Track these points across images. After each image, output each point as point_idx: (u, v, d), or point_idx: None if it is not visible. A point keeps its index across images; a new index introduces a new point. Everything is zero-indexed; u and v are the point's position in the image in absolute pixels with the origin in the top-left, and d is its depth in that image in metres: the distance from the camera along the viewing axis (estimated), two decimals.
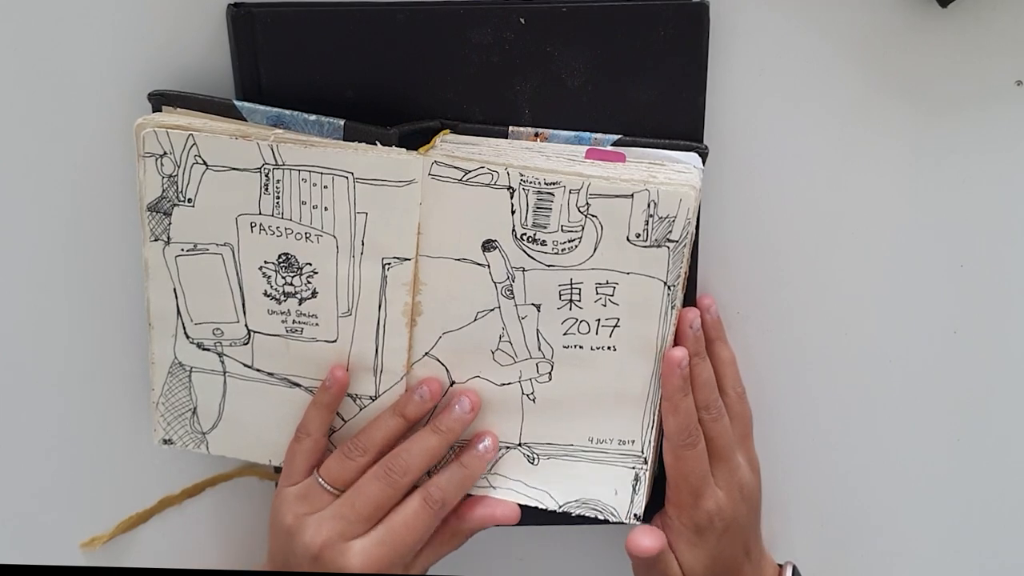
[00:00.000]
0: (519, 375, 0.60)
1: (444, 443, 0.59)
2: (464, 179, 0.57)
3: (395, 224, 0.58)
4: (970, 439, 0.67)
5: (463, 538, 0.62)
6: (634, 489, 0.61)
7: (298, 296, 0.59)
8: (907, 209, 0.63)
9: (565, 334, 0.59)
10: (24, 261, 0.63)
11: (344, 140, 0.57)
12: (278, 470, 0.63)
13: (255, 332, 0.60)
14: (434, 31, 0.57)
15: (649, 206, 0.56)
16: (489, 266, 0.58)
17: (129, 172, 0.58)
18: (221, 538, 0.68)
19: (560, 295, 0.58)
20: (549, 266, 0.58)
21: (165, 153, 0.56)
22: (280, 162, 0.56)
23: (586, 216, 0.57)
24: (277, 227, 0.58)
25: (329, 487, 0.59)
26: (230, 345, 0.61)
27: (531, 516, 0.66)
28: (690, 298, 0.62)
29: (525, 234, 0.57)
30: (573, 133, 0.59)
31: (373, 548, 0.58)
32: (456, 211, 0.57)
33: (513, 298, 0.59)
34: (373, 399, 0.61)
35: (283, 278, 0.59)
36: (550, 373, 0.60)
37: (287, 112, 0.57)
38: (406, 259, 0.58)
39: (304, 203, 0.57)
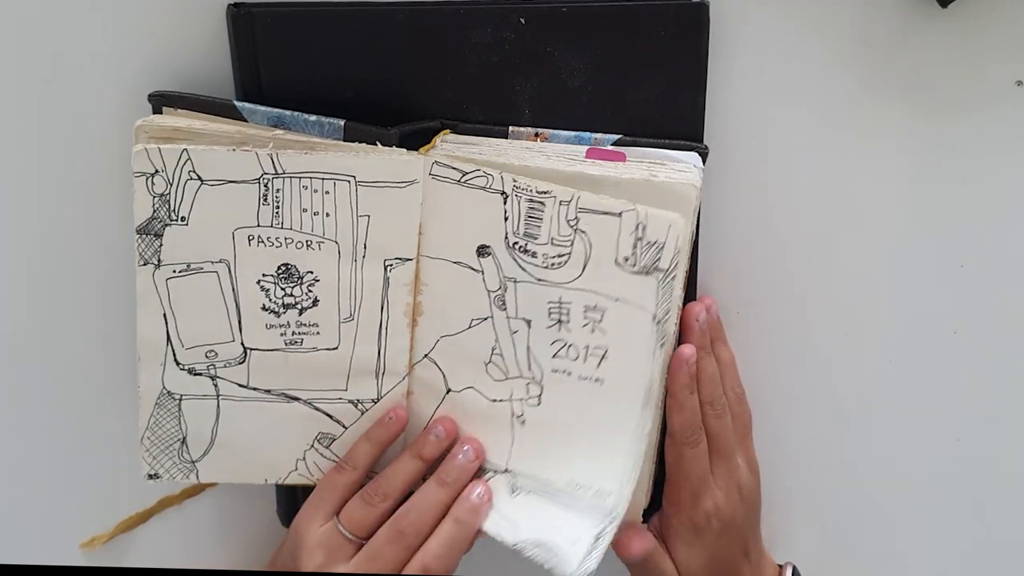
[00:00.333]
0: (510, 393, 0.60)
1: (452, 494, 0.59)
2: (462, 180, 0.57)
3: (397, 225, 0.58)
4: (970, 439, 0.67)
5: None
6: (593, 544, 0.57)
7: (298, 306, 0.59)
8: (907, 209, 0.63)
9: (554, 356, 0.59)
10: (24, 261, 0.63)
11: (344, 140, 0.57)
12: (279, 488, 0.64)
13: (252, 349, 0.59)
14: (434, 31, 0.57)
15: (638, 228, 0.55)
16: (483, 272, 0.58)
17: (129, 173, 0.58)
18: (221, 538, 0.68)
19: (549, 313, 0.58)
20: (539, 280, 0.58)
21: (156, 171, 0.55)
22: (280, 171, 0.56)
23: (575, 231, 0.56)
24: (276, 238, 0.57)
25: (350, 535, 0.58)
26: (224, 366, 0.60)
27: None
28: (690, 298, 0.62)
29: (517, 243, 0.57)
30: (573, 133, 0.59)
31: None
32: (454, 213, 0.57)
33: (505, 309, 0.59)
34: (375, 401, 0.61)
35: (283, 289, 0.58)
36: (539, 396, 0.60)
37: (287, 113, 0.57)
38: (408, 259, 0.58)
39: (305, 210, 0.57)
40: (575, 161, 0.58)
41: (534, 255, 0.57)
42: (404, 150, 0.57)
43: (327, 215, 0.57)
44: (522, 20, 0.57)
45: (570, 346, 0.58)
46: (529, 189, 0.56)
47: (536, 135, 0.59)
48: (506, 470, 0.61)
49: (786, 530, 0.68)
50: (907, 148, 0.62)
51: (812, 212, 0.63)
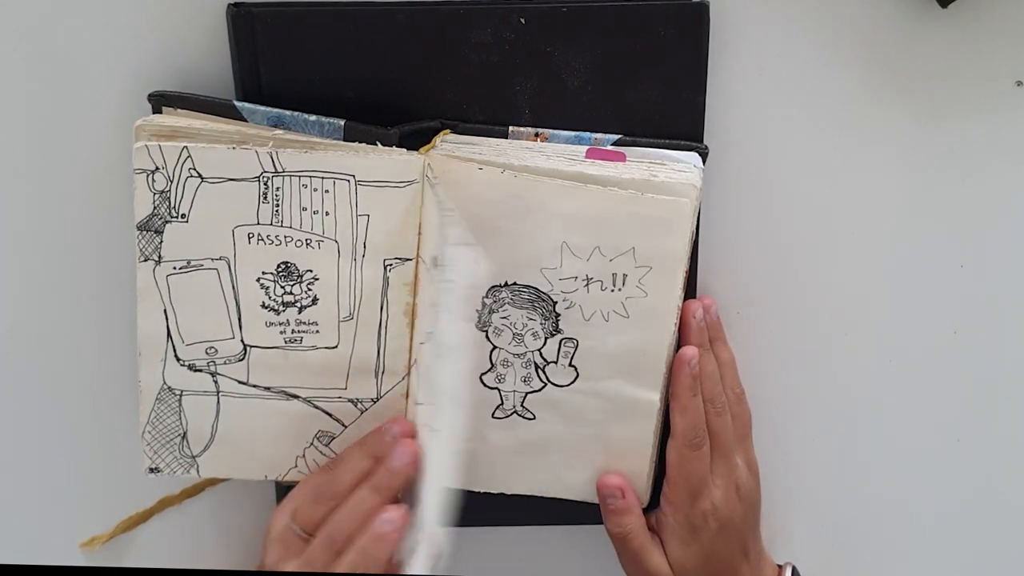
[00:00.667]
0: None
1: (382, 502, 0.57)
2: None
3: (397, 225, 0.58)
4: (970, 439, 0.67)
5: None
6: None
7: (298, 304, 0.59)
8: (907, 209, 0.63)
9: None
10: (25, 260, 0.63)
11: (344, 140, 0.57)
12: (279, 485, 0.64)
13: (251, 347, 0.60)
14: (434, 31, 0.57)
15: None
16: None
17: (129, 173, 0.58)
18: (221, 538, 0.68)
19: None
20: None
21: (157, 168, 0.56)
22: (280, 169, 0.56)
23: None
24: (276, 236, 0.58)
25: (301, 532, 0.58)
26: (224, 363, 0.60)
27: (531, 516, 0.66)
28: (690, 298, 0.61)
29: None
30: (573, 133, 0.59)
31: None
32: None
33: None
34: (375, 401, 0.61)
35: (282, 287, 0.59)
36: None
37: (287, 113, 0.57)
38: (407, 259, 0.58)
39: (304, 209, 0.57)
40: (575, 161, 0.58)
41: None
42: (404, 150, 0.57)
43: (326, 214, 0.57)
44: (522, 20, 0.57)
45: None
46: None
47: (536, 135, 0.59)
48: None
49: (786, 530, 0.68)
50: (907, 148, 0.62)
51: (812, 212, 0.63)
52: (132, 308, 0.58)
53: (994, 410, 0.66)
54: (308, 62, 0.58)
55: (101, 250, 0.63)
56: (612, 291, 0.58)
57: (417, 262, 0.59)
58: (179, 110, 0.57)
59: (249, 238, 0.57)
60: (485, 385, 0.61)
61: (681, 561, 0.61)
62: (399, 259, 0.58)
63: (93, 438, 0.66)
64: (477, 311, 0.59)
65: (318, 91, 0.58)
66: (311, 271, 0.58)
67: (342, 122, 0.57)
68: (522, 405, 0.61)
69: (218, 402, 0.61)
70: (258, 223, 0.57)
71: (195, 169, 0.56)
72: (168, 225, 0.57)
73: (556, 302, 0.59)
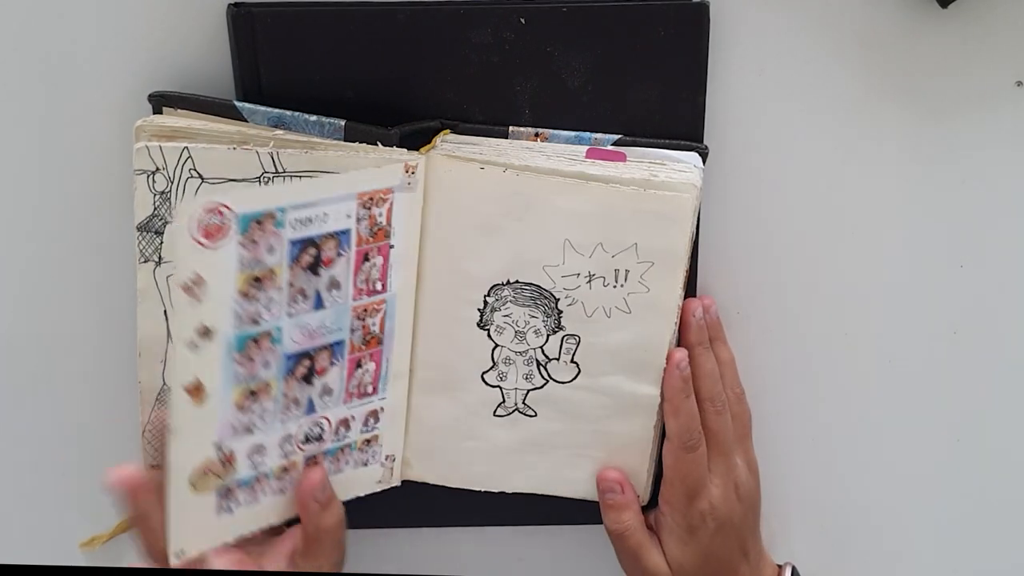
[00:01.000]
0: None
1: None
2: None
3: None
4: (970, 439, 0.67)
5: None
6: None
7: None
8: (907, 209, 0.63)
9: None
10: (24, 260, 0.63)
11: (345, 140, 0.57)
12: None
13: None
14: (434, 31, 0.57)
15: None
16: None
17: (129, 174, 0.58)
18: None
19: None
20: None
21: (158, 169, 0.56)
22: (280, 170, 0.56)
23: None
24: None
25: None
26: None
27: (531, 516, 0.66)
28: (690, 297, 0.62)
29: None
30: (573, 133, 0.59)
31: None
32: None
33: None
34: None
35: None
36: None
37: (287, 113, 0.57)
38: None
39: None
40: (575, 161, 0.58)
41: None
42: (404, 150, 0.57)
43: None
44: (522, 20, 0.57)
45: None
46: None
47: (536, 135, 0.59)
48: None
49: (785, 530, 0.68)
50: (907, 148, 0.62)
51: (812, 212, 0.63)
52: (132, 308, 0.58)
53: (994, 410, 0.66)
54: (308, 62, 0.58)
55: (101, 251, 0.63)
56: (614, 287, 0.58)
57: (419, 262, 0.58)
58: (179, 110, 0.57)
59: None
60: (487, 383, 0.61)
61: (679, 560, 0.61)
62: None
63: (93, 438, 0.66)
64: (479, 310, 0.59)
65: (318, 91, 0.58)
66: None
67: (342, 122, 0.57)
68: (524, 403, 0.61)
69: None
70: None
71: (195, 170, 0.56)
72: (168, 226, 0.57)
73: (558, 299, 0.59)
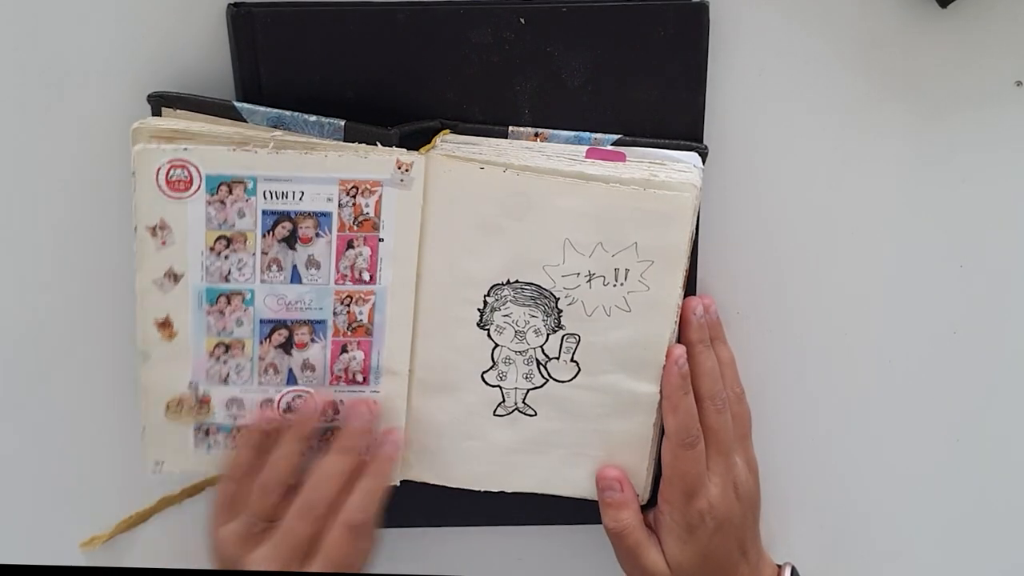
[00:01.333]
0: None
1: (352, 461, 0.59)
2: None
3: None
4: (970, 439, 0.67)
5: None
6: None
7: None
8: (907, 209, 0.63)
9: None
10: (23, 260, 0.63)
11: (344, 141, 0.57)
12: None
13: None
14: (434, 31, 0.57)
15: None
16: None
17: (128, 174, 0.58)
18: None
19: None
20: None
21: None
22: None
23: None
24: None
25: (258, 522, 0.59)
26: None
27: (531, 516, 0.66)
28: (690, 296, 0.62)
29: None
30: (573, 133, 0.59)
31: None
32: None
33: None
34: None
35: None
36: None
37: (287, 113, 0.57)
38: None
39: None
40: (575, 161, 0.58)
41: None
42: (404, 150, 0.57)
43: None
44: (522, 20, 0.57)
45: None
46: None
47: (536, 135, 0.59)
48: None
49: (785, 530, 0.68)
50: (907, 148, 0.62)
51: (812, 212, 0.63)
52: (130, 310, 0.58)
53: (994, 410, 0.66)
54: (308, 62, 0.58)
55: (100, 252, 0.63)
56: (614, 286, 0.58)
57: (419, 262, 0.58)
58: (178, 111, 0.57)
59: None
60: (487, 383, 0.61)
61: (678, 559, 0.61)
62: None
63: (93, 438, 0.66)
64: (479, 310, 0.59)
65: (318, 91, 0.58)
66: None
67: (342, 122, 0.57)
68: (524, 402, 0.61)
69: None
70: None
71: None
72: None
73: (558, 298, 0.59)
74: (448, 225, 0.58)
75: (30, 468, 0.67)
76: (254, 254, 0.57)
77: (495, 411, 0.61)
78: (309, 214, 0.56)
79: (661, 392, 0.60)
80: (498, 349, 0.60)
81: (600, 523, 0.62)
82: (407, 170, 0.56)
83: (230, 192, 0.55)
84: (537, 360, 0.60)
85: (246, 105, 0.57)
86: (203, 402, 0.59)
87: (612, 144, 0.59)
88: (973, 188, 0.63)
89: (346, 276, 0.58)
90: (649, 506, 0.63)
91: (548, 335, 0.60)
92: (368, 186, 0.56)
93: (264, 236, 0.57)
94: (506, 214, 0.57)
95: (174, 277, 0.57)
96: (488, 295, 0.59)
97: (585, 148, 0.58)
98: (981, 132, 0.62)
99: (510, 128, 0.59)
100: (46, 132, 0.61)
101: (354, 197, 0.56)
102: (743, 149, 0.61)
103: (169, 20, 0.59)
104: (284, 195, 0.56)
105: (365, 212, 0.57)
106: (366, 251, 0.57)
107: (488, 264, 0.58)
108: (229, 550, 0.59)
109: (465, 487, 0.63)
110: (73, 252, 0.63)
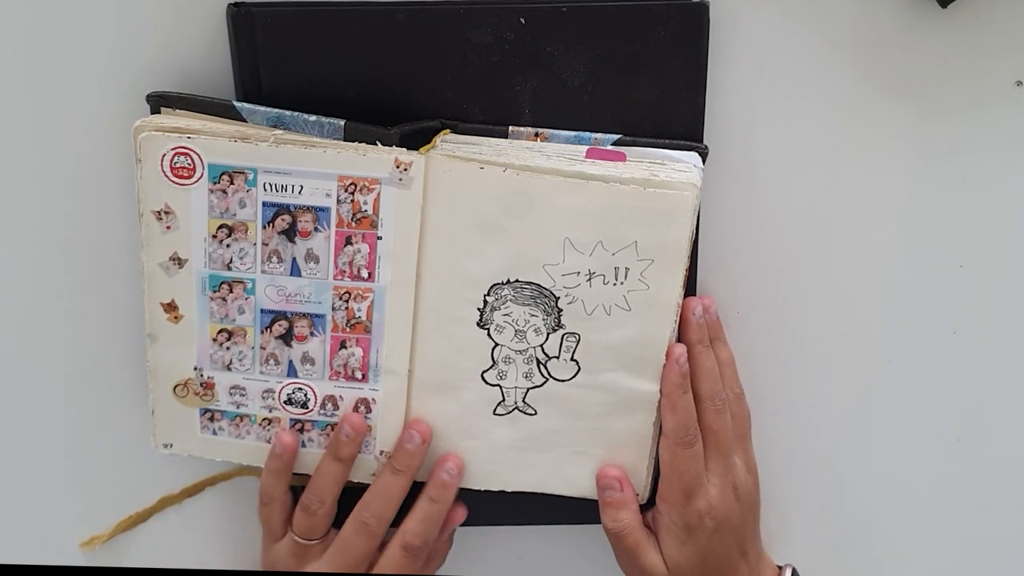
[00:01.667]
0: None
1: (407, 480, 0.61)
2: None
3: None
4: (970, 439, 0.67)
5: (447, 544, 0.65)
6: None
7: None
8: (907, 209, 0.63)
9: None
10: (24, 262, 0.63)
11: (344, 140, 0.57)
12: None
13: None
14: (434, 31, 0.57)
15: None
16: None
17: (128, 174, 0.58)
18: (221, 538, 0.68)
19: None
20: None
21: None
22: None
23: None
24: None
25: (308, 541, 0.61)
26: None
27: (531, 516, 0.66)
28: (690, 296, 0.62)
29: None
30: (573, 133, 0.59)
31: None
32: None
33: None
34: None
35: None
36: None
37: (287, 113, 0.57)
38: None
39: None
40: (575, 161, 0.58)
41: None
42: (403, 149, 0.57)
43: None
44: (522, 20, 0.57)
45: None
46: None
47: (536, 135, 0.59)
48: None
49: (785, 531, 0.68)
50: (907, 148, 0.62)
51: (812, 212, 0.63)
52: (132, 307, 0.59)
53: (994, 410, 0.66)
54: (308, 62, 0.58)
55: (100, 251, 0.63)
56: (614, 285, 0.58)
57: (419, 261, 0.59)
58: (178, 111, 0.57)
59: None
60: (487, 382, 0.61)
61: (677, 560, 0.61)
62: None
63: (93, 438, 0.66)
64: (479, 309, 0.59)
65: (318, 91, 0.58)
66: None
67: (342, 122, 0.57)
68: (524, 401, 0.61)
69: None
70: None
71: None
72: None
73: (558, 297, 0.59)
74: (448, 225, 0.58)
75: (30, 467, 0.67)
76: (255, 244, 0.58)
77: (495, 410, 0.61)
78: (308, 208, 0.57)
79: (661, 390, 0.60)
80: (498, 348, 0.60)
81: (599, 523, 0.62)
82: (406, 169, 0.56)
83: (231, 182, 0.56)
84: (537, 359, 0.60)
85: (246, 105, 0.57)
86: (207, 387, 0.61)
87: (612, 144, 0.59)
88: (973, 188, 0.63)
89: (344, 272, 0.58)
90: (648, 506, 0.63)
91: (548, 334, 0.60)
92: (366, 183, 0.56)
93: (264, 227, 0.57)
94: (506, 213, 0.57)
95: (179, 262, 0.58)
96: (488, 294, 0.59)
97: (585, 148, 0.58)
98: (981, 132, 0.62)
99: (510, 128, 0.59)
100: (45, 132, 0.61)
101: (352, 194, 0.56)
102: (743, 149, 0.61)
103: (169, 20, 0.59)
104: (284, 188, 0.56)
105: (363, 209, 0.57)
106: (364, 248, 0.57)
107: (488, 263, 0.58)
108: (287, 565, 0.61)
109: (465, 487, 0.63)
110: (73, 252, 0.63)
